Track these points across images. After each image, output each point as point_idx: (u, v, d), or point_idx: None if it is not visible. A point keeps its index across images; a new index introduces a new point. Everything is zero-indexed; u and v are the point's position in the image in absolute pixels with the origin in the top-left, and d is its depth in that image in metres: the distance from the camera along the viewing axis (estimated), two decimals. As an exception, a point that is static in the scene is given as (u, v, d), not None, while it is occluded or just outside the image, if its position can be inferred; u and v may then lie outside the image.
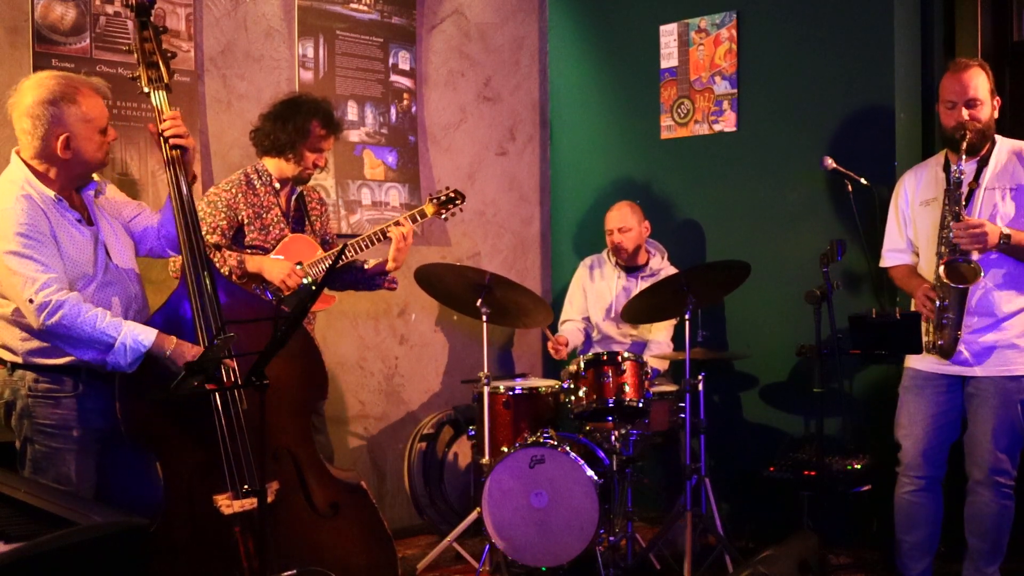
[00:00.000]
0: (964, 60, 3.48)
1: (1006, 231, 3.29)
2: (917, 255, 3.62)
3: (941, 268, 3.31)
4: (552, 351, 4.58)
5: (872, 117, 4.28)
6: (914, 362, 3.56)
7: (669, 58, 4.96)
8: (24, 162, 2.85)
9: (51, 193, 2.83)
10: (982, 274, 3.27)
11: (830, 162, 4.16)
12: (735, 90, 4.71)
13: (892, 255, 3.69)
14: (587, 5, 5.35)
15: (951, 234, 3.30)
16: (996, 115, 3.47)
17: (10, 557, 1.78)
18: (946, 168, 3.48)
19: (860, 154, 4.25)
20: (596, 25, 5.31)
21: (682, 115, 4.91)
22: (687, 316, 3.88)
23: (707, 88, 4.81)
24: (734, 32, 4.70)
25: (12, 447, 2.92)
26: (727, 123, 4.74)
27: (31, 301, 2.70)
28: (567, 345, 4.58)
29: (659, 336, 4.56)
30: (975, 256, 3.32)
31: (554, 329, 4.71)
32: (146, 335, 2.77)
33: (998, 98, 3.48)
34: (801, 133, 4.49)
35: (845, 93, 4.35)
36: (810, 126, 4.46)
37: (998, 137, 3.49)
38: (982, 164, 3.44)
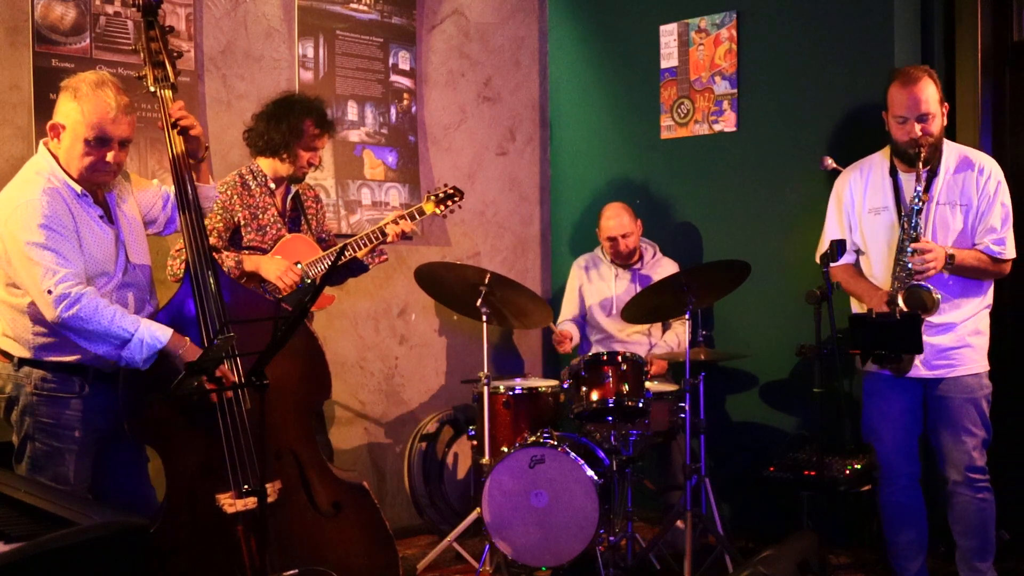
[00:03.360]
0: (911, 70, 3.42)
1: (950, 251, 3.32)
2: (858, 253, 3.64)
3: (901, 298, 3.32)
4: (556, 344, 4.52)
5: (872, 117, 4.26)
6: (872, 366, 3.59)
7: (669, 58, 4.96)
8: (51, 152, 2.85)
9: (78, 188, 2.83)
10: (939, 299, 3.29)
11: (830, 162, 4.14)
12: (735, 90, 4.71)
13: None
14: (587, 5, 5.35)
15: (907, 260, 3.30)
16: (945, 122, 3.45)
17: (10, 557, 1.78)
18: (892, 173, 3.49)
19: (860, 154, 4.23)
20: (596, 25, 5.31)
21: (682, 115, 4.91)
22: (687, 316, 3.89)
23: (707, 88, 4.81)
24: (734, 32, 4.70)
25: (8, 446, 2.92)
26: (727, 123, 4.74)
27: (49, 292, 2.68)
28: (572, 339, 4.54)
29: (669, 339, 4.57)
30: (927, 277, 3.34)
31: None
32: (163, 332, 2.77)
33: (946, 104, 3.46)
34: (801, 133, 4.49)
35: (845, 93, 4.34)
36: (810, 126, 4.46)
37: (945, 143, 3.48)
38: (931, 174, 3.43)
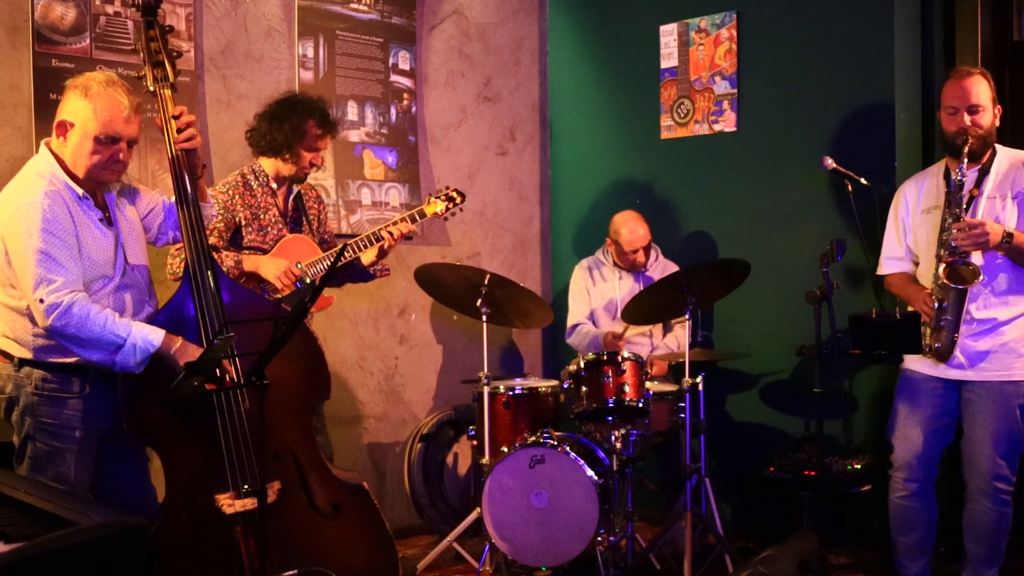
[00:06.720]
0: (966, 67, 3.48)
1: (1009, 230, 3.27)
2: (916, 264, 3.61)
3: (941, 269, 3.31)
4: (611, 346, 4.38)
5: (872, 117, 4.28)
6: (911, 364, 3.56)
7: (669, 58, 4.96)
8: (52, 153, 2.84)
9: (79, 190, 2.82)
10: (981, 276, 3.26)
11: (830, 162, 4.16)
12: (735, 90, 4.71)
13: (890, 263, 3.67)
14: (587, 5, 5.35)
15: (950, 236, 3.29)
16: (998, 123, 3.45)
17: (10, 557, 1.78)
18: (946, 176, 3.47)
19: (860, 154, 4.25)
20: (596, 25, 5.31)
21: (682, 115, 4.91)
22: (687, 316, 3.89)
23: (707, 88, 4.81)
24: (734, 32, 4.70)
25: (8, 446, 2.92)
26: (727, 123, 4.74)
27: (41, 301, 2.69)
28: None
29: (669, 341, 4.56)
30: (975, 258, 3.31)
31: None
32: (155, 335, 2.77)
33: (999, 106, 3.46)
34: (801, 133, 4.49)
35: (845, 93, 4.34)
36: (810, 126, 4.46)
37: (999, 146, 3.47)
38: (983, 172, 3.42)
